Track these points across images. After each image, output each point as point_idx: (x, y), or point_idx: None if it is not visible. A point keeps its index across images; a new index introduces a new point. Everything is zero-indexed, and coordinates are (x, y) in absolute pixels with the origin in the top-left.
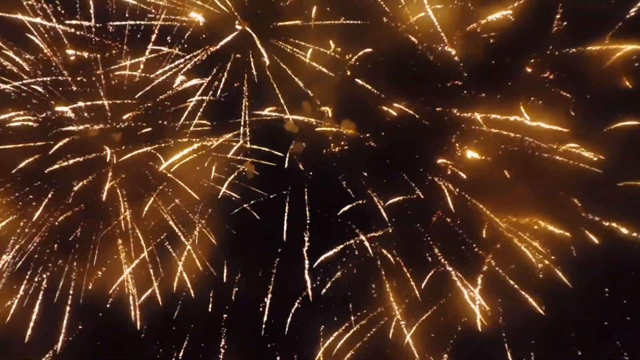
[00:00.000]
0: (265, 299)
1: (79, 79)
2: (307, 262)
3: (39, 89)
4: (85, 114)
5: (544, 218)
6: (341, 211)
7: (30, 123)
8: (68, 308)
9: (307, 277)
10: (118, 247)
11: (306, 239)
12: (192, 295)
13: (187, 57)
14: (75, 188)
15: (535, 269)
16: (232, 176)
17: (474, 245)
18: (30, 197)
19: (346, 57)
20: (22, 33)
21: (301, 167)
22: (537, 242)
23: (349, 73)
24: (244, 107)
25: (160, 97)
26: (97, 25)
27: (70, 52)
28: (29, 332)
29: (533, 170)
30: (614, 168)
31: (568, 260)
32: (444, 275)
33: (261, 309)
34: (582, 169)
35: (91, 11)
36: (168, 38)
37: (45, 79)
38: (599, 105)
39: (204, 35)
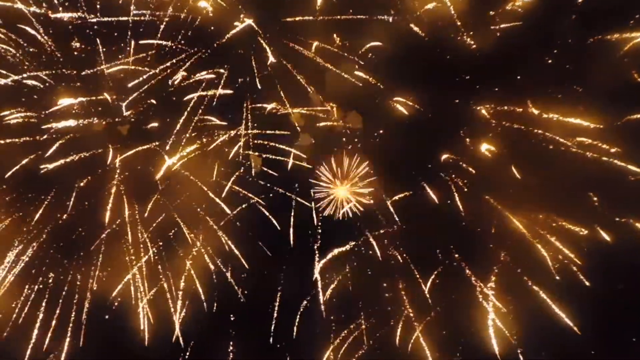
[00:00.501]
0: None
1: (83, 73)
2: (316, 260)
3: (40, 84)
4: (92, 109)
5: (558, 214)
6: (344, 208)
7: (31, 119)
8: (74, 307)
9: (317, 275)
10: (122, 247)
11: (317, 236)
12: (201, 295)
13: (191, 51)
14: (81, 184)
15: (550, 266)
16: (239, 171)
17: (487, 242)
18: (32, 195)
19: (353, 51)
20: (23, 25)
21: (306, 164)
22: (553, 238)
23: (356, 67)
24: (249, 102)
25: (164, 92)
26: (101, 18)
27: (74, 45)
28: (35, 332)
29: (546, 165)
30: (628, 162)
31: (584, 257)
32: (455, 273)
33: (269, 309)
34: (597, 162)
35: (96, 4)
36: (173, 33)
37: (46, 72)
38: (613, 97)
39: (211, 28)
